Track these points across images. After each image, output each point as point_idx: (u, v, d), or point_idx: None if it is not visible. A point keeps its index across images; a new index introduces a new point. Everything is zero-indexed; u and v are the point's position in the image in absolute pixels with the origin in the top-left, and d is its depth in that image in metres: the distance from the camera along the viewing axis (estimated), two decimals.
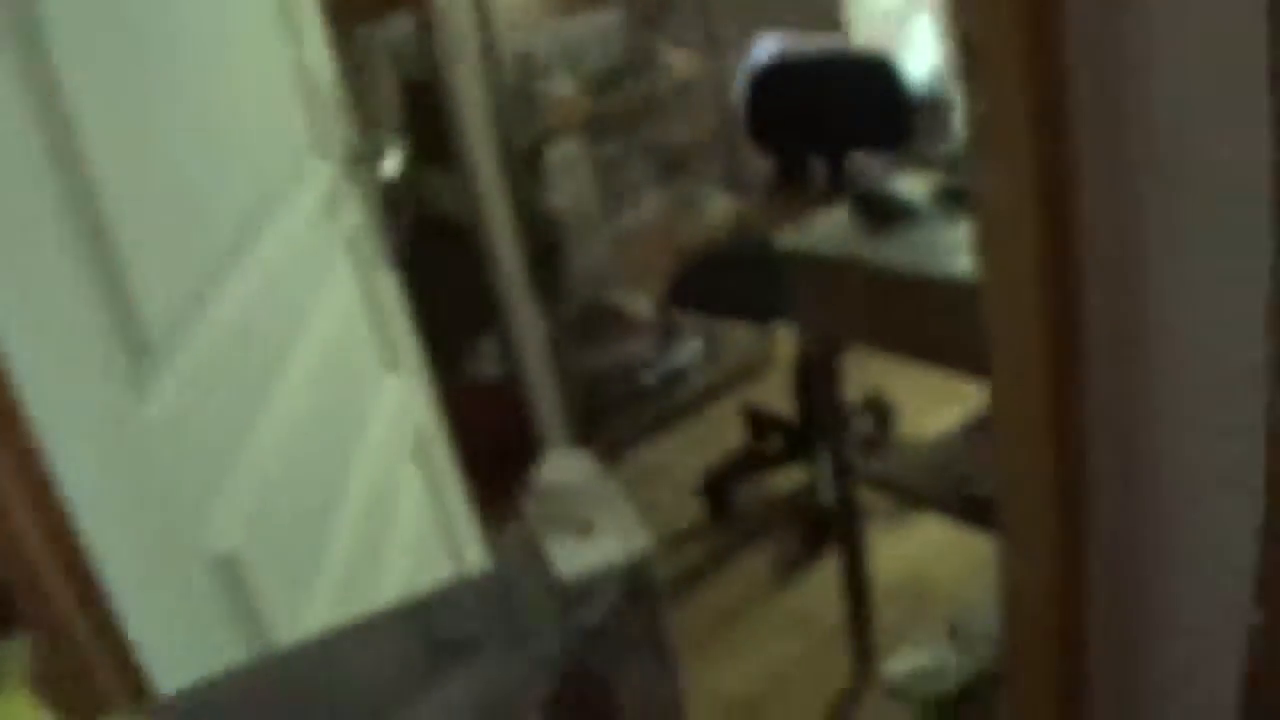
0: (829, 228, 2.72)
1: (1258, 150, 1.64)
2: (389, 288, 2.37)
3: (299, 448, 1.81)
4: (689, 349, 4.61)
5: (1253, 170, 1.66)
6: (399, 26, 4.06)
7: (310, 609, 1.68)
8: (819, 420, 3.16)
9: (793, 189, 4.79)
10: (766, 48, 5.25)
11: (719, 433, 4.42)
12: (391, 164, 2.23)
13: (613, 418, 4.47)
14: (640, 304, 4.52)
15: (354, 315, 2.18)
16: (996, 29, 1.80)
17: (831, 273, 2.66)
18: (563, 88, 4.11)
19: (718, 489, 4.05)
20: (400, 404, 2.34)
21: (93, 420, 1.22)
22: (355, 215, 2.22)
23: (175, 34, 1.57)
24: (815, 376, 2.89)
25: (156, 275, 1.37)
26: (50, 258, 1.19)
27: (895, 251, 2.52)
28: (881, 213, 2.66)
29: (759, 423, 4.26)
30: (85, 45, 1.30)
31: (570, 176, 4.19)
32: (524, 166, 4.05)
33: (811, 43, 4.99)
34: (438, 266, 4.18)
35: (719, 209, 4.60)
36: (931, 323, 2.45)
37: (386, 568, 2.08)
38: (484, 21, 3.85)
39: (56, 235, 1.20)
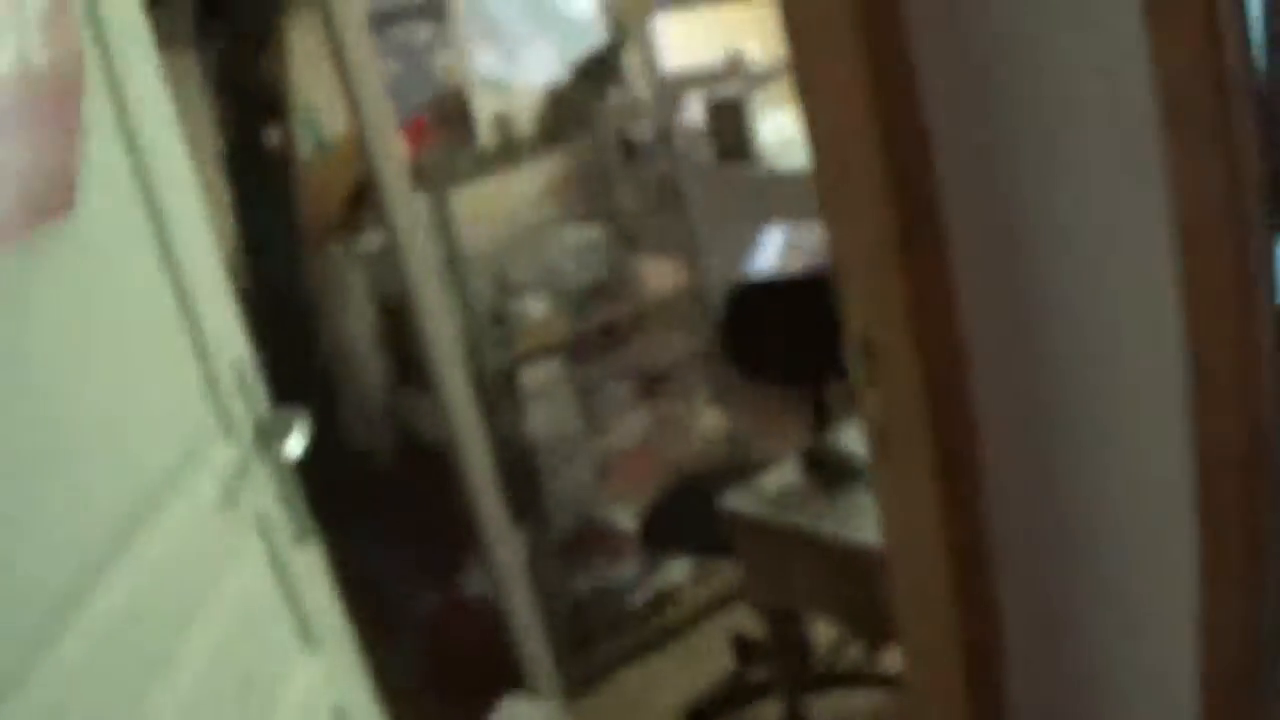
0: (777, 487, 2.70)
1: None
2: (309, 564, 2.34)
3: None
4: (677, 569, 4.56)
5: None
6: (372, 242, 4.09)
7: None
8: (776, 680, 3.11)
9: (785, 403, 4.76)
10: (769, 244, 5.26)
11: (708, 657, 4.34)
12: (297, 442, 2.20)
13: (598, 641, 4.42)
14: (627, 523, 4.48)
15: (261, 602, 2.15)
16: (894, 331, 1.80)
17: (776, 541, 2.63)
18: (538, 308, 4.12)
19: None
20: (318, 683, 2.30)
21: None
22: (265, 494, 2.20)
23: (32, 352, 1.57)
24: (772, 643, 2.86)
25: None
26: None
27: (841, 518, 2.49)
28: (832, 472, 2.62)
29: (746, 650, 4.19)
30: None
31: (549, 398, 4.18)
32: (500, 389, 4.05)
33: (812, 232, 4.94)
34: (428, 482, 4.18)
35: (707, 426, 4.58)
36: (878, 595, 2.40)
37: None
38: (452, 240, 3.87)
39: None
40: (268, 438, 2.20)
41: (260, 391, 2.28)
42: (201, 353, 2.08)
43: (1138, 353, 1.72)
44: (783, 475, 2.75)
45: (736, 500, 2.73)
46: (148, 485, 1.83)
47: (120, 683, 1.63)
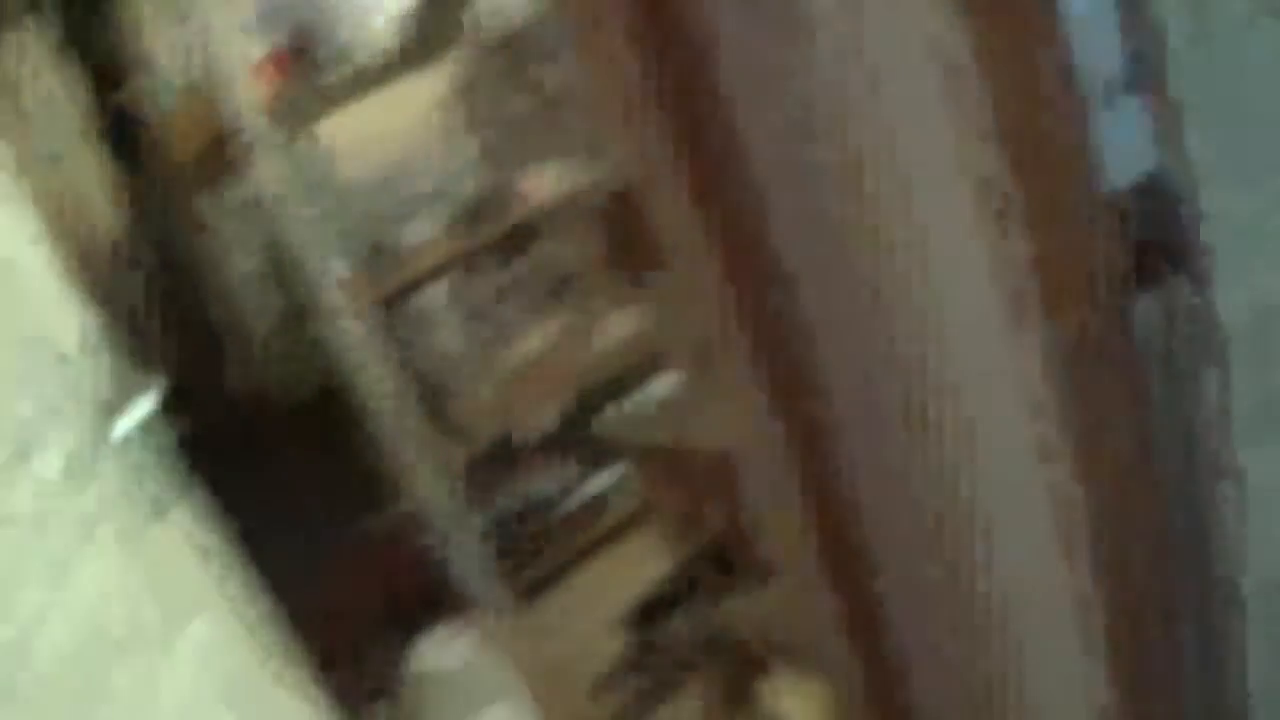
0: (656, 398, 2.72)
1: None
2: (172, 534, 2.40)
3: None
4: (611, 470, 4.60)
5: None
6: (249, 189, 4.12)
7: None
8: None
9: None
10: None
11: (651, 557, 4.40)
12: (141, 410, 2.26)
13: (535, 555, 4.50)
14: (548, 434, 4.55)
15: (123, 577, 2.22)
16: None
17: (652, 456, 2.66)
18: (422, 232, 4.15)
19: (644, 623, 4.06)
20: (207, 646, 2.37)
21: None
22: (119, 470, 2.26)
23: None
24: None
25: None
26: None
27: None
28: None
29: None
30: None
31: (448, 319, 4.22)
32: (392, 317, 4.09)
33: None
34: (341, 421, 4.24)
35: (621, 324, 4.60)
36: None
37: None
38: (320, 175, 3.89)
39: None
40: (111, 413, 2.26)
41: (105, 369, 2.32)
42: (31, 341, 2.13)
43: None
44: (662, 384, 2.77)
45: (609, 422, 2.76)
46: None
47: None
